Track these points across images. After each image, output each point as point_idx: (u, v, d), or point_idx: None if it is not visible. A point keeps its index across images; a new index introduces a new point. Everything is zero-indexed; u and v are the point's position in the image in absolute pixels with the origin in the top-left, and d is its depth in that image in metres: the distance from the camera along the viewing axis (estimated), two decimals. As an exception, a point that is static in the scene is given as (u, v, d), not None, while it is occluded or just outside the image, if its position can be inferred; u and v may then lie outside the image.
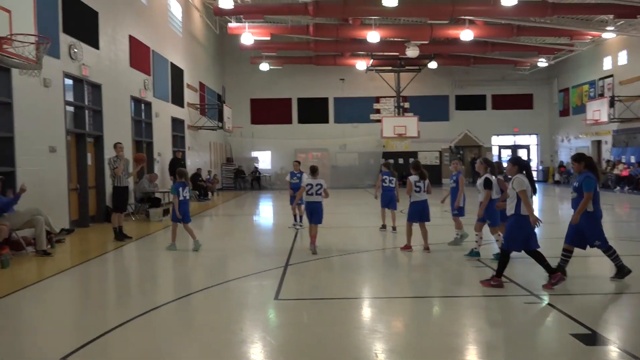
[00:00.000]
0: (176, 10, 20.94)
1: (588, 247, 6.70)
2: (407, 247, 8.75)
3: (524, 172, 6.27)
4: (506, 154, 32.58)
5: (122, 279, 7.94)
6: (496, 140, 32.32)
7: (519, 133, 32.29)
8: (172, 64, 19.76)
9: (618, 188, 23.09)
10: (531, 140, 32.67)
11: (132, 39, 15.67)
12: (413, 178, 8.67)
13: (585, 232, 6.59)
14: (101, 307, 6.07)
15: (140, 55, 16.34)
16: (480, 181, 7.65)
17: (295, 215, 12.13)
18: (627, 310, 5.53)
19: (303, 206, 11.80)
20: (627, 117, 23.75)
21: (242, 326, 5.12)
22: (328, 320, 5.24)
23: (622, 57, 24.83)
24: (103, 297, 6.71)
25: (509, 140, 32.58)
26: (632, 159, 23.75)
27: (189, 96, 22.37)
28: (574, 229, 6.67)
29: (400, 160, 29.88)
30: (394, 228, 10.83)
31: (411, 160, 9.35)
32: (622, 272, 6.48)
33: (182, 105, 21.13)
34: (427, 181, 8.76)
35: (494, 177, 7.78)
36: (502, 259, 6.28)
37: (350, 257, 8.62)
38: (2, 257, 7.79)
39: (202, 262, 8.74)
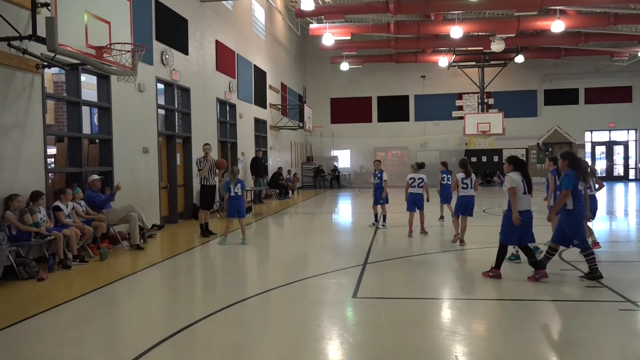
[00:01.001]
0: (260, 14, 21.57)
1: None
2: (456, 236, 9.35)
3: (520, 171, 6.64)
4: (600, 152, 30.56)
5: (207, 273, 8.33)
6: (589, 137, 30.35)
7: (615, 128, 30.10)
8: (255, 66, 20.38)
9: None
10: (629, 135, 30.35)
11: (218, 43, 16.35)
12: (460, 175, 9.22)
13: (565, 230, 6.58)
14: (188, 299, 6.42)
15: (225, 59, 17.01)
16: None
17: (376, 215, 12.08)
18: None
19: (385, 205, 11.80)
20: None
21: (320, 323, 5.20)
22: (406, 320, 5.19)
23: None
24: (190, 290, 7.08)
25: (604, 136, 30.46)
26: None
27: (271, 97, 22.97)
28: (558, 227, 6.73)
29: (484, 159, 28.96)
30: (441, 217, 12.73)
31: (460, 159, 9.58)
32: (593, 274, 6.42)
33: (264, 106, 21.73)
34: (473, 177, 9.30)
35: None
36: (500, 251, 6.65)
37: (429, 256, 8.47)
38: (101, 250, 8.45)
39: (282, 258, 8.97)
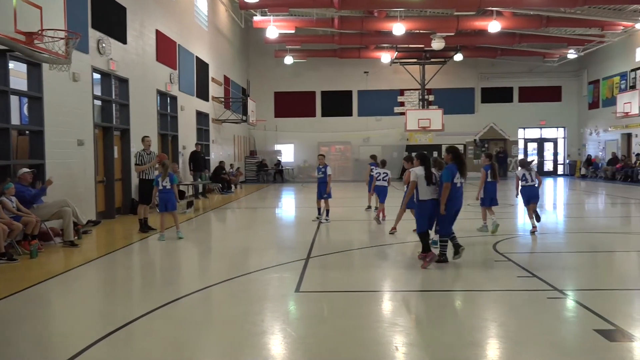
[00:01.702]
0: (202, 4, 21.11)
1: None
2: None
3: (425, 165, 7.24)
4: (531, 148, 32.10)
5: (145, 269, 8.10)
6: (522, 134, 31.80)
7: (546, 126, 31.71)
8: (197, 58, 19.96)
9: (649, 183, 22.50)
10: (558, 133, 32.06)
11: (158, 33, 15.88)
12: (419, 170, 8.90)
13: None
14: (126, 297, 6.22)
15: (166, 50, 16.56)
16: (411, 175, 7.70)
17: (319, 209, 12.16)
18: (654, 307, 5.41)
19: (328, 200, 11.92)
20: (660, 109, 23.07)
21: (263, 318, 5.18)
22: (348, 313, 5.26)
23: (656, 48, 24.12)
24: (127, 287, 6.86)
25: (535, 133, 32.02)
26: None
27: (214, 90, 22.58)
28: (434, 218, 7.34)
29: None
30: (369, 207, 13.74)
31: (417, 153, 9.54)
32: (440, 257, 7.19)
33: (206, 99, 21.34)
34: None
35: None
36: (421, 239, 7.26)
37: (371, 250, 8.62)
38: (31, 248, 8.03)
39: (224, 254, 8.87)
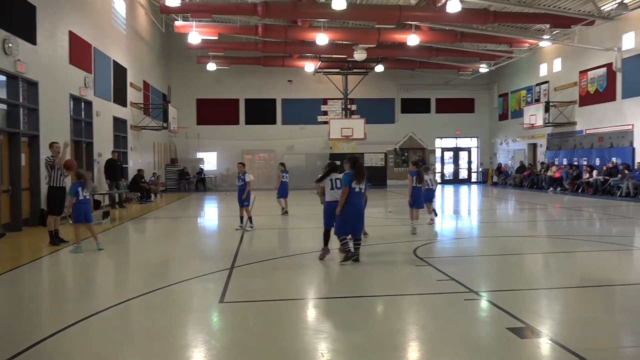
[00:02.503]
0: (120, 7, 20.33)
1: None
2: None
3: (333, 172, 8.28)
4: (448, 157, 33.64)
5: (57, 284, 7.60)
6: (439, 143, 33.26)
7: (461, 136, 33.37)
8: (114, 61, 19.18)
9: (551, 189, 24.27)
10: (472, 142, 33.84)
11: (72, 35, 15.09)
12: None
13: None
14: (35, 315, 5.79)
15: (81, 52, 15.77)
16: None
17: (241, 218, 12.03)
18: (557, 304, 5.81)
19: (249, 208, 11.82)
20: (561, 121, 25.05)
21: (186, 330, 5.02)
22: (274, 322, 5.22)
23: (557, 65, 26.16)
24: (37, 304, 6.39)
25: (451, 142, 33.60)
26: (564, 162, 25.03)
27: (133, 95, 21.77)
28: (337, 219, 7.96)
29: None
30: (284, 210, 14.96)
31: (348, 157, 10.44)
32: (352, 256, 7.84)
33: (124, 105, 20.53)
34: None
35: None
36: (324, 235, 8.23)
37: (296, 258, 8.63)
38: None
39: (143, 265, 8.52)
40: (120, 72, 19.94)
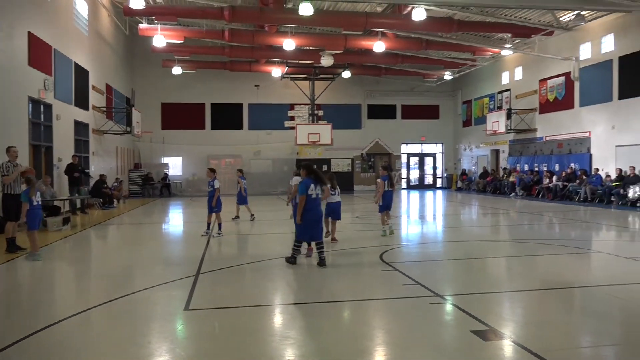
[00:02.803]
0: (82, 8, 19.88)
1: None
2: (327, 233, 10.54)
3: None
4: (413, 162, 34.09)
5: (14, 294, 7.32)
6: (405, 149, 33.68)
7: (426, 142, 33.88)
8: (76, 64, 18.72)
9: (513, 194, 24.87)
10: (437, 148, 34.39)
11: (31, 35, 14.65)
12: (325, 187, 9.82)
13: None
14: (-10, 325, 5.57)
15: (40, 54, 15.32)
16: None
17: (209, 224, 11.88)
18: (519, 306, 5.94)
19: (219, 213, 11.67)
20: (522, 128, 25.73)
21: (149, 339, 4.91)
22: (240, 329, 5.17)
23: (518, 73, 26.89)
24: (-7, 314, 6.15)
25: (416, 148, 34.06)
26: (526, 167, 25.70)
27: (95, 99, 21.28)
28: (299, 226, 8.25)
29: (314, 167, 30.37)
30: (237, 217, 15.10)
31: (329, 173, 11.23)
32: (321, 263, 7.99)
33: (86, 108, 20.05)
34: (338, 189, 10.61)
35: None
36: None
37: (262, 264, 8.57)
38: None
39: (105, 273, 8.31)
40: (82, 74, 19.46)
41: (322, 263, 7.95)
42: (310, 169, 8.31)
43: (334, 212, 10.33)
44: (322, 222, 8.60)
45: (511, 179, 25.72)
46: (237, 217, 15.02)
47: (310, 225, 8.08)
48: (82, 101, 19.42)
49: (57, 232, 12.64)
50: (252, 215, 14.92)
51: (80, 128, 19.37)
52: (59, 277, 8.11)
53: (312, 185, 8.10)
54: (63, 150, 17.33)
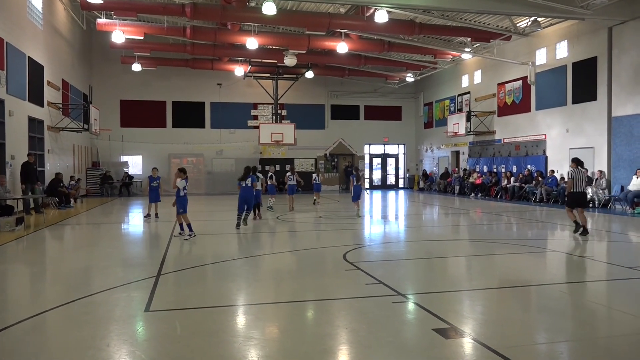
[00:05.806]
0: (36, 0, 19.19)
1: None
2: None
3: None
4: (376, 163, 34.42)
5: (-36, 296, 7.01)
6: (368, 149, 33.99)
7: (389, 142, 34.28)
8: (30, 58, 18.08)
9: (472, 194, 25.45)
10: (399, 149, 34.84)
11: (-19, 28, 14.07)
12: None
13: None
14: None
15: (-9, 47, 14.72)
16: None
17: (181, 225, 11.59)
18: (478, 304, 6.08)
19: (186, 215, 11.45)
20: (481, 130, 26.35)
21: (108, 342, 4.79)
22: (202, 330, 5.10)
23: (478, 76, 27.51)
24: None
25: (379, 149, 34.42)
26: (485, 169, 26.34)
27: (50, 95, 20.61)
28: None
29: (277, 167, 30.32)
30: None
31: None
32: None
33: (41, 105, 19.39)
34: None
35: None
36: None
37: (224, 264, 8.49)
38: None
39: (61, 275, 8.06)
40: (36, 69, 18.81)
41: (245, 222, 12.69)
42: (248, 169, 13.34)
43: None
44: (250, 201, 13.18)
45: (471, 180, 26.30)
46: (149, 215, 15.81)
47: (241, 203, 12.90)
48: (36, 97, 18.77)
49: (9, 232, 12.17)
50: (156, 214, 15.82)
51: (35, 125, 18.72)
52: (11, 279, 7.81)
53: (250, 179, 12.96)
54: (16, 147, 16.70)
